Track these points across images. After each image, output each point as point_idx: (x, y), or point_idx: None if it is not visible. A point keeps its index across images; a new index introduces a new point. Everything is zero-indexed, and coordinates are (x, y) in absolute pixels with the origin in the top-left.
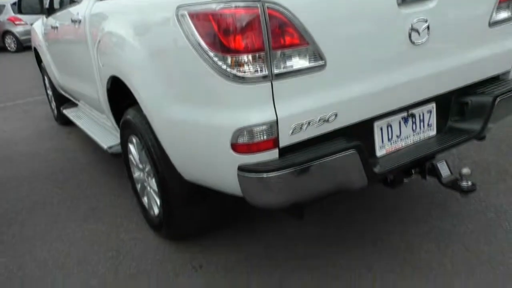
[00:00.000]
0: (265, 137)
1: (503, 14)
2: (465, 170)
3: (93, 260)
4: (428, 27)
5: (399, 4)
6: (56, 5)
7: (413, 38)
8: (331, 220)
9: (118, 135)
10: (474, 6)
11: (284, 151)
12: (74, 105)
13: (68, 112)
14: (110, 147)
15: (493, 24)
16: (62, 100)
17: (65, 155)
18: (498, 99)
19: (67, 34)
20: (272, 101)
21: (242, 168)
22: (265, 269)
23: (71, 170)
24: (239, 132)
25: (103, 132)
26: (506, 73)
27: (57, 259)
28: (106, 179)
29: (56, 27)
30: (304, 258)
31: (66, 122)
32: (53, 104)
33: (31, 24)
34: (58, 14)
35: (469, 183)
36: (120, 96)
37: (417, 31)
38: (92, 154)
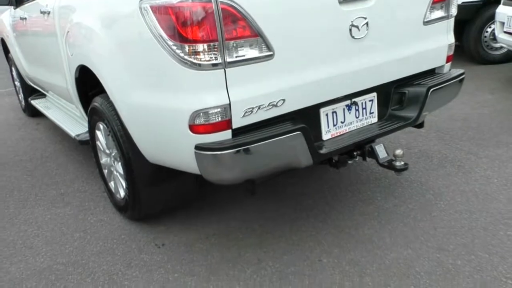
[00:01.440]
0: (219, 118)
1: (436, 14)
2: (398, 151)
3: (61, 240)
4: (367, 24)
5: (340, 2)
6: None
7: (353, 33)
8: (285, 201)
9: (86, 124)
10: (409, 6)
11: (237, 132)
12: (42, 95)
13: (37, 103)
14: (78, 135)
15: (427, 22)
16: (30, 91)
17: (34, 145)
18: (431, 90)
19: (36, 25)
20: (225, 86)
21: (198, 147)
22: (223, 246)
23: (39, 158)
24: (196, 114)
25: (71, 121)
26: (441, 67)
27: (25, 240)
28: (75, 166)
29: (25, 18)
30: (261, 235)
31: (34, 113)
32: (21, 96)
33: None
34: (27, 5)
35: (402, 163)
36: (87, 85)
37: (357, 27)
38: (60, 143)
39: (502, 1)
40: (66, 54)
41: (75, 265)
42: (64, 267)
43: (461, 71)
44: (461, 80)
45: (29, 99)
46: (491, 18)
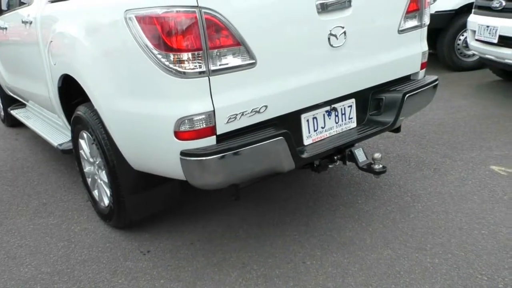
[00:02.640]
0: (204, 125)
1: (410, 23)
2: (377, 155)
3: (45, 250)
4: (344, 33)
5: (319, 12)
6: (3, 6)
7: (332, 42)
8: (269, 206)
9: (68, 133)
10: (384, 15)
11: (222, 138)
12: (22, 105)
13: (17, 113)
14: (60, 144)
15: (402, 31)
16: (9, 101)
17: (14, 155)
18: (407, 95)
19: (17, 35)
20: (209, 94)
21: (184, 153)
22: (208, 251)
23: (20, 169)
24: (181, 121)
25: (53, 130)
26: (415, 73)
27: (8, 250)
28: (57, 176)
29: (5, 28)
30: (245, 240)
31: (13, 123)
32: (0, 106)
33: None
34: (7, 15)
35: (380, 166)
36: (71, 94)
37: (335, 36)
38: (41, 153)
39: (473, 11)
40: (49, 63)
41: (60, 274)
42: (49, 276)
43: (435, 77)
44: (435, 86)
45: (9, 109)
46: (463, 27)
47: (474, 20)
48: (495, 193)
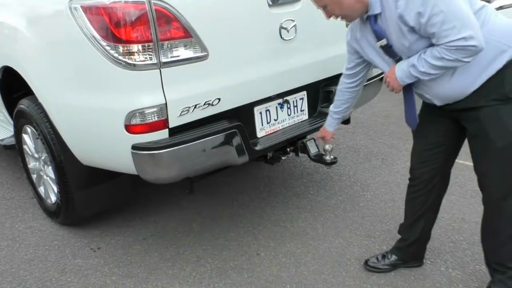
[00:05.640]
0: (155, 118)
1: None
2: (328, 146)
3: None
4: (295, 26)
5: (269, 5)
6: None
7: (283, 35)
8: (222, 199)
9: (10, 128)
10: None
11: (174, 131)
12: None
13: None
14: (1, 140)
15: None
16: None
17: None
18: None
19: None
20: (161, 86)
21: (135, 147)
22: (162, 246)
23: None
24: (132, 114)
25: None
26: None
27: None
28: None
29: None
30: (199, 233)
31: None
32: None
33: None
34: None
35: (332, 156)
36: (12, 87)
37: (286, 29)
38: None
39: None
40: None
41: (4, 274)
42: None
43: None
44: (381, 79)
45: None
46: None
47: None
48: None
